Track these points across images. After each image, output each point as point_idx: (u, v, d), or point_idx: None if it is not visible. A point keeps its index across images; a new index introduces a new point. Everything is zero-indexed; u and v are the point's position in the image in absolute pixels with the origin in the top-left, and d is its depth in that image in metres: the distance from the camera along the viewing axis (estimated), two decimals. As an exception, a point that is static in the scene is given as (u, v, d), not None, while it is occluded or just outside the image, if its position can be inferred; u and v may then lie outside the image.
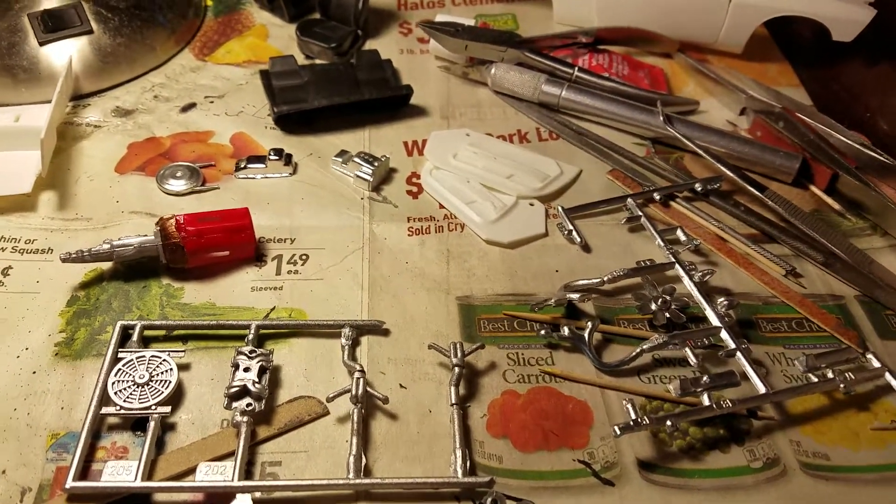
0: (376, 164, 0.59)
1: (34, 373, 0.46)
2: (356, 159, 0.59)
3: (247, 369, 0.45)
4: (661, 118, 0.63)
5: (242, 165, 0.59)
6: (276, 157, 0.59)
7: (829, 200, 0.60)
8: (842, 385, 0.46)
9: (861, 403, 0.47)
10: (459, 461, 0.42)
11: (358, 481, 0.41)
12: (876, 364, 0.48)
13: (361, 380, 0.45)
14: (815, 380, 0.47)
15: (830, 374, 0.47)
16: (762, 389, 0.45)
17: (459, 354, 0.47)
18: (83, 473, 0.42)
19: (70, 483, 0.40)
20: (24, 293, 0.50)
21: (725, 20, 0.71)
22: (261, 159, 0.59)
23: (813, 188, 0.61)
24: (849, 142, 0.61)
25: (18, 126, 0.58)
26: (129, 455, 0.43)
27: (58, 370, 0.46)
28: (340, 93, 0.63)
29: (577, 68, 0.68)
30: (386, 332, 0.50)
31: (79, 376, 0.46)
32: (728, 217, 0.59)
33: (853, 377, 0.47)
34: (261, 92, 0.66)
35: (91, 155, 0.60)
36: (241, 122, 0.64)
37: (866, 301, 0.53)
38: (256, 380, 0.45)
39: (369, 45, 0.74)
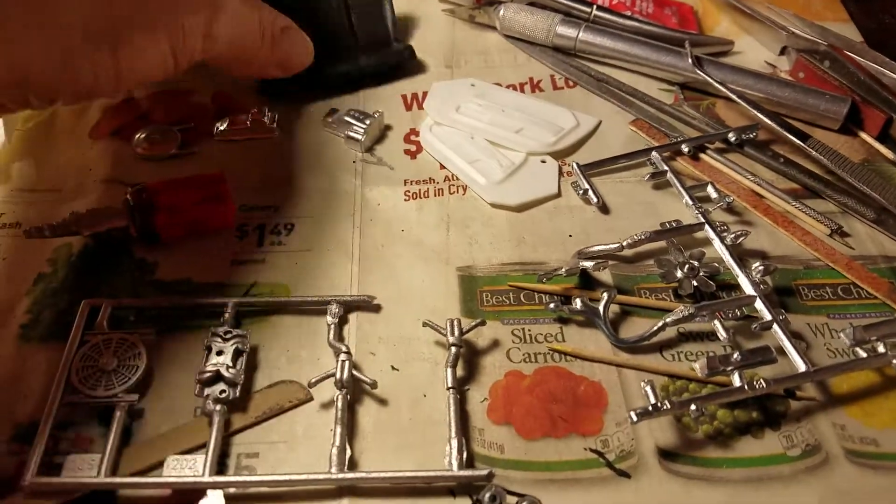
0: (368, 121, 0.54)
1: (-3, 357, 0.43)
2: (346, 117, 0.55)
3: (220, 352, 0.42)
4: (690, 60, 0.58)
5: (223, 127, 0.55)
6: (260, 117, 0.55)
7: (882, 148, 0.55)
8: (894, 360, 0.41)
9: (918, 381, 0.42)
10: (455, 452, 0.38)
11: (341, 476, 0.38)
12: (934, 335, 0.43)
13: (347, 362, 0.41)
14: (864, 354, 0.42)
15: (882, 348, 0.42)
16: (802, 367, 0.41)
17: (457, 332, 0.43)
18: (45, 468, 0.38)
19: (29, 479, 0.37)
20: (-11, 271, 0.47)
21: (763, -51, 0.65)
22: (243, 120, 0.55)
23: (863, 135, 0.56)
24: (905, 81, 0.56)
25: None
26: (94, 447, 0.39)
27: (21, 354, 0.43)
28: (334, 55, 0.58)
29: (595, 7, 0.64)
30: (377, 309, 0.46)
31: (43, 361, 0.42)
32: (765, 170, 0.54)
33: (908, 351, 0.42)
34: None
35: (64, 120, 0.57)
36: (225, 80, 0.59)
37: (924, 262, 0.48)
38: (231, 364, 0.41)
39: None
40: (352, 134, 0.54)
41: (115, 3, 0.40)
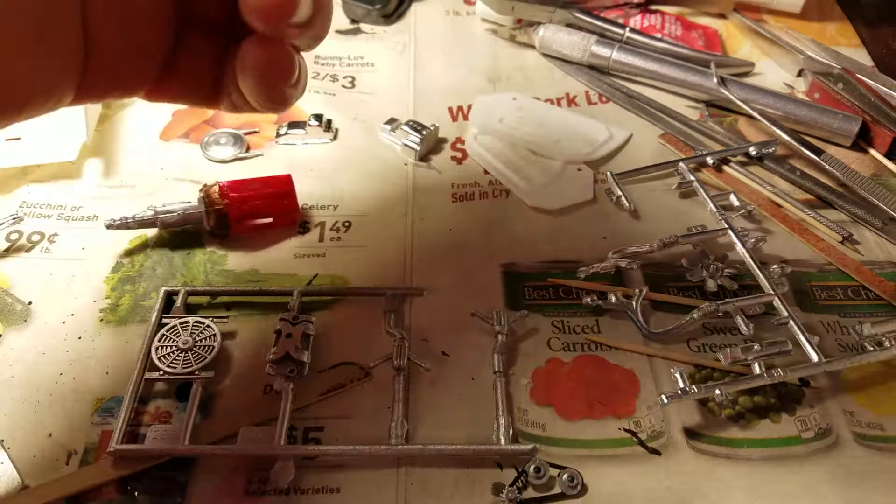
0: (424, 132, 0.58)
1: (80, 338, 0.46)
2: (404, 127, 0.59)
3: (289, 335, 0.45)
4: (715, 80, 0.61)
5: (283, 132, 0.59)
6: (317, 123, 0.59)
7: (890, 164, 0.58)
8: (900, 354, 0.44)
9: (920, 373, 0.46)
10: (503, 429, 0.42)
11: (400, 447, 0.41)
12: (936, 333, 0.46)
13: (404, 347, 0.45)
14: (871, 349, 0.45)
15: (887, 343, 0.45)
16: (815, 358, 0.44)
17: (503, 322, 0.46)
18: (128, 437, 0.42)
19: (114, 446, 0.41)
20: (70, 259, 0.51)
21: (783, -22, 0.68)
22: (301, 125, 0.59)
23: (873, 151, 0.59)
24: (912, 103, 0.58)
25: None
26: (174, 419, 0.43)
27: (103, 336, 0.47)
28: None
29: (628, 29, 0.67)
30: (428, 299, 0.49)
31: (123, 342, 0.46)
32: (783, 182, 0.57)
33: (912, 346, 0.45)
34: (306, 60, 0.65)
35: (136, 122, 0.61)
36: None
37: (928, 268, 0.51)
38: (299, 346, 0.44)
39: (415, 6, 0.73)
40: (408, 143, 0.58)
41: None
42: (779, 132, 0.58)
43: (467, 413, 0.44)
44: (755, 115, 0.59)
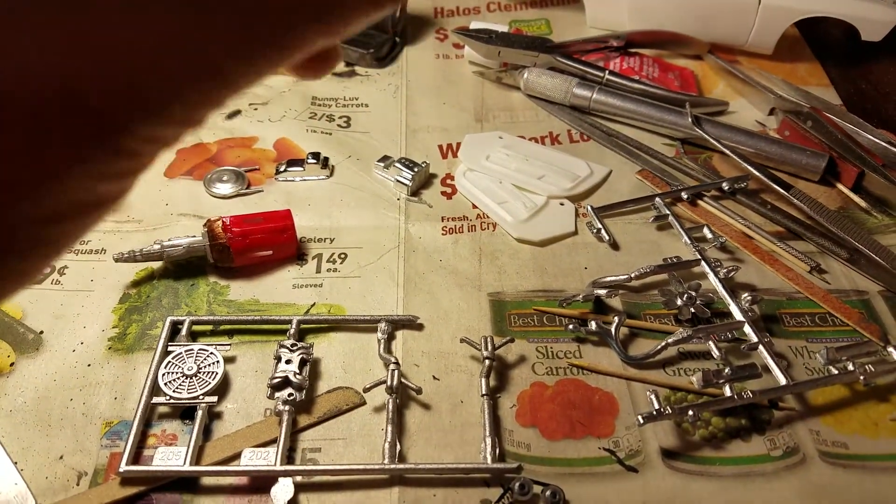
0: (416, 169, 0.61)
1: (89, 365, 0.49)
2: (397, 164, 0.61)
3: (288, 361, 0.48)
4: (690, 119, 0.64)
5: (282, 169, 0.61)
6: (314, 161, 0.61)
7: (855, 198, 0.61)
8: (862, 377, 0.47)
9: (881, 395, 0.48)
10: (489, 448, 0.44)
11: (393, 466, 0.44)
12: (896, 357, 0.49)
13: (396, 371, 0.47)
14: (836, 372, 0.48)
15: (851, 367, 0.48)
16: (783, 381, 0.47)
17: (490, 348, 0.49)
18: (135, 458, 0.44)
19: (123, 467, 0.43)
20: (80, 291, 0.53)
21: (755, 22, 0.72)
22: (299, 163, 0.62)
23: (839, 186, 0.62)
24: (876, 140, 0.62)
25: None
26: (178, 442, 0.45)
27: (111, 363, 0.49)
28: None
29: (607, 71, 0.70)
30: (420, 327, 0.52)
31: (131, 369, 0.49)
32: (755, 215, 0.60)
33: (873, 369, 0.48)
34: (301, 98, 0.69)
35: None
36: (284, 128, 0.67)
37: (890, 296, 0.54)
38: (297, 371, 0.47)
39: (406, 50, 0.77)
40: (401, 179, 0.61)
41: None
42: (750, 168, 0.61)
43: (456, 434, 0.46)
44: (727, 152, 0.62)
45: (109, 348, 0.50)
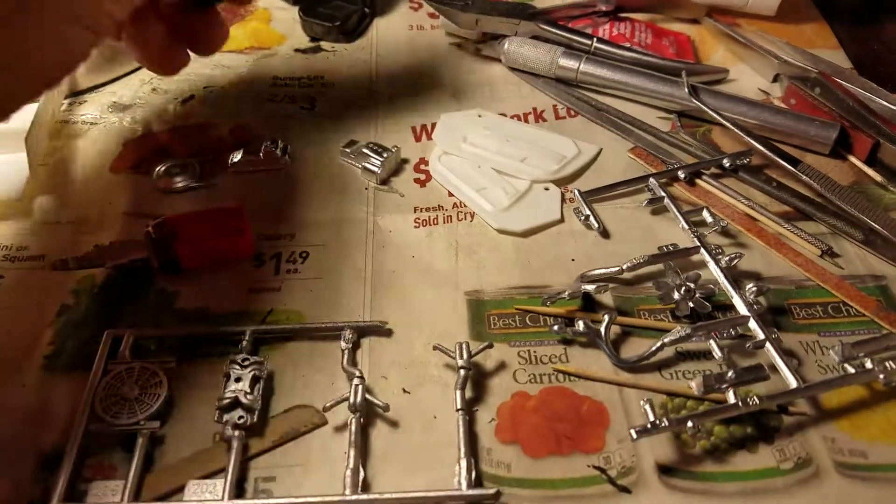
0: (386, 155, 0.56)
1: (24, 386, 0.44)
2: (365, 149, 0.57)
3: (238, 379, 0.43)
4: (687, 90, 0.60)
5: (236, 159, 0.56)
6: (273, 148, 0.56)
7: (870, 171, 0.56)
8: (881, 376, 0.42)
9: (904, 395, 0.44)
10: (464, 472, 0.40)
11: (354, 497, 0.39)
12: (920, 351, 0.44)
13: (360, 386, 0.43)
14: (852, 370, 0.43)
15: (869, 364, 0.43)
16: (793, 383, 0.42)
17: (465, 355, 0.44)
18: (69, 495, 0.39)
19: (53, 505, 0.39)
20: (14, 304, 0.48)
21: (756, -21, 0.67)
22: (256, 151, 0.57)
23: (852, 159, 0.57)
24: (891, 106, 0.57)
25: (4, 127, 0.56)
26: (118, 473, 0.41)
27: (47, 385, 0.44)
28: None
29: (595, 39, 0.65)
30: (389, 333, 0.47)
31: (69, 390, 0.44)
32: (759, 194, 0.55)
33: (894, 366, 0.43)
34: (261, 79, 0.64)
35: (86, 154, 0.58)
36: (242, 113, 0.62)
37: (911, 281, 0.49)
38: (248, 390, 0.42)
39: (377, 22, 0.72)
40: (369, 166, 0.56)
41: None
42: (753, 142, 0.56)
43: (429, 455, 0.42)
44: (728, 125, 0.57)
45: (45, 367, 0.45)
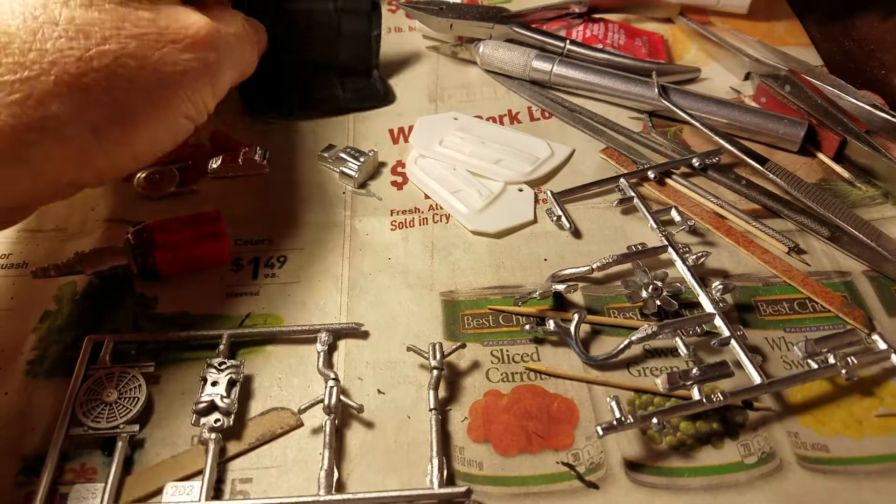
0: (363, 159, 0.57)
1: (6, 394, 0.45)
2: (342, 154, 0.57)
3: (215, 383, 0.44)
4: (657, 90, 0.60)
5: (215, 165, 0.57)
6: (251, 154, 0.57)
7: (838, 168, 0.57)
8: (844, 370, 0.43)
9: (866, 389, 0.44)
10: (436, 471, 0.41)
11: (329, 498, 0.40)
12: (882, 346, 0.45)
13: (335, 388, 0.43)
14: (815, 366, 0.44)
15: (832, 359, 0.44)
16: (757, 380, 0.43)
17: (438, 356, 0.45)
18: (50, 498, 0.40)
19: (35, 510, 0.39)
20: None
21: (728, -22, 0.67)
22: (234, 157, 0.57)
23: (820, 156, 0.58)
24: (859, 104, 0.57)
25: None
26: (99, 476, 0.42)
27: (29, 389, 0.45)
28: (315, 79, 0.61)
29: (568, 41, 0.65)
30: (365, 335, 0.48)
31: (51, 395, 0.45)
32: (728, 192, 0.56)
33: (856, 361, 0.44)
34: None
35: (67, 163, 0.59)
36: (219, 120, 0.62)
37: (875, 276, 0.50)
38: (225, 394, 0.43)
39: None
40: (346, 170, 0.56)
41: (108, 97, 0.41)
42: (721, 141, 0.57)
43: (403, 454, 0.42)
44: (696, 124, 0.58)
45: (28, 373, 0.46)
